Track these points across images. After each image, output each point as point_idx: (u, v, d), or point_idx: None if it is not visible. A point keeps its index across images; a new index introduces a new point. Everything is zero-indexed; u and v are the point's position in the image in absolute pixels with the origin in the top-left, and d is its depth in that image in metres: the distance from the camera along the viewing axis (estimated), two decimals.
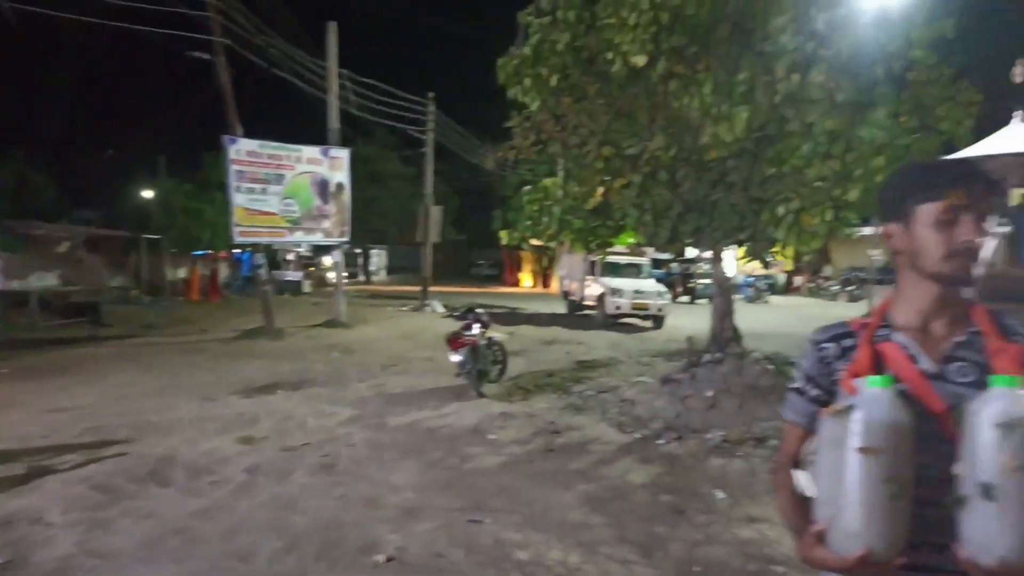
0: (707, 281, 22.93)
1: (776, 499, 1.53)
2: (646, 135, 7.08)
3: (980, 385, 1.27)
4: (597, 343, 13.65)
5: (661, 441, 6.52)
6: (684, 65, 6.53)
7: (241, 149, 14.21)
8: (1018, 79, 17.77)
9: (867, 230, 21.15)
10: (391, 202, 38.20)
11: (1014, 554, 1.13)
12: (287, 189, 14.96)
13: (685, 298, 27.17)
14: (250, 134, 14.52)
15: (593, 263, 17.92)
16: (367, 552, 3.97)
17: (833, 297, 28.48)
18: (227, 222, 14.63)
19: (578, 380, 9.65)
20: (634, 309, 17.28)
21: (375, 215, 39.11)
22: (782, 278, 33.77)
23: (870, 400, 1.24)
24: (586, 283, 18.97)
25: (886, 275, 33.37)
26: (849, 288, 27.99)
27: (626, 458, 6.00)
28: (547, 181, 7.85)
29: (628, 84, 7.13)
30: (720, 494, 5.09)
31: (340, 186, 15.81)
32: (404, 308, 20.65)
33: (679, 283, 27.86)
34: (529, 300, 27.48)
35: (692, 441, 6.45)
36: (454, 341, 8.32)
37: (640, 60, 6.42)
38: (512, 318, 18.63)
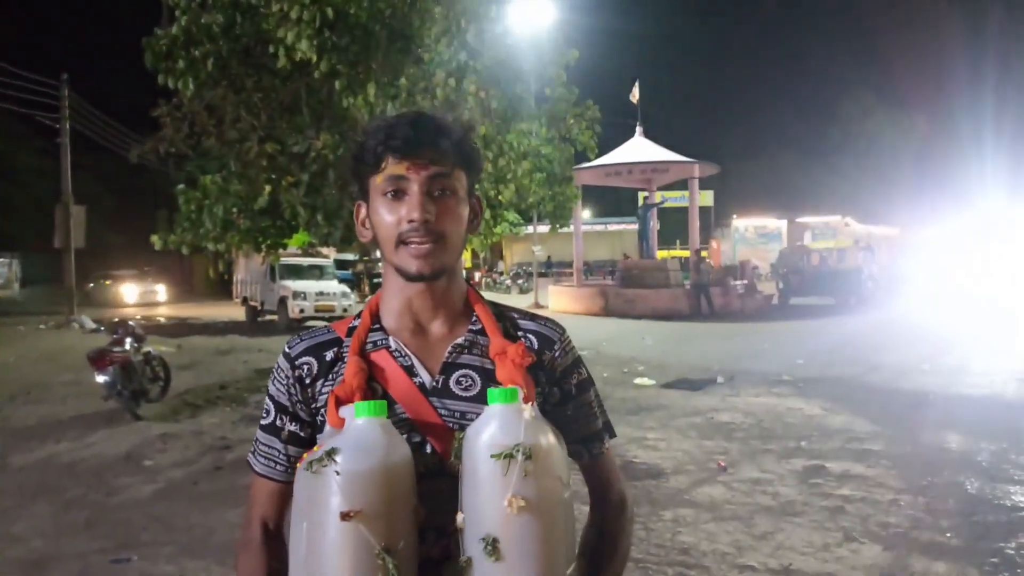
0: None
1: None
2: (312, 132, 6.94)
3: (484, 398, 0.99)
4: (279, 349, 12.72)
5: None
6: (346, 65, 6.53)
7: None
8: (635, 99, 21.27)
9: (530, 228, 23.59)
10: (26, 201, 32.44)
11: None
12: None
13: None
14: None
15: (273, 267, 17.15)
16: None
17: (507, 290, 31.19)
18: None
19: (256, 389, 9.12)
20: (318, 311, 16.96)
21: (5, 217, 32.83)
22: (463, 273, 36.19)
23: (357, 438, 0.90)
24: (268, 287, 18.12)
25: (549, 268, 37.59)
26: (519, 281, 31.17)
27: None
28: (206, 179, 7.24)
29: (291, 79, 6.92)
30: None
31: None
32: (44, 326, 17.56)
33: (365, 282, 28.09)
34: (205, 308, 25.36)
35: None
36: (99, 359, 7.27)
37: (312, 55, 6.25)
38: (182, 328, 17.00)
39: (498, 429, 0.91)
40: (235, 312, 21.11)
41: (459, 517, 0.92)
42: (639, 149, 22.02)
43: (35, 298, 29.38)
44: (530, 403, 0.96)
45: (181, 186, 7.37)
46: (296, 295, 16.87)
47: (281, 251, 8.74)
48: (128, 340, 7.55)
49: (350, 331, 1.10)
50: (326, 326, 1.15)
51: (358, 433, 0.91)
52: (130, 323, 7.91)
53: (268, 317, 18.35)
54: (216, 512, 4.66)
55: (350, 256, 26.36)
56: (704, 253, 20.64)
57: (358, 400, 0.97)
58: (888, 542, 3.96)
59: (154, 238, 7.57)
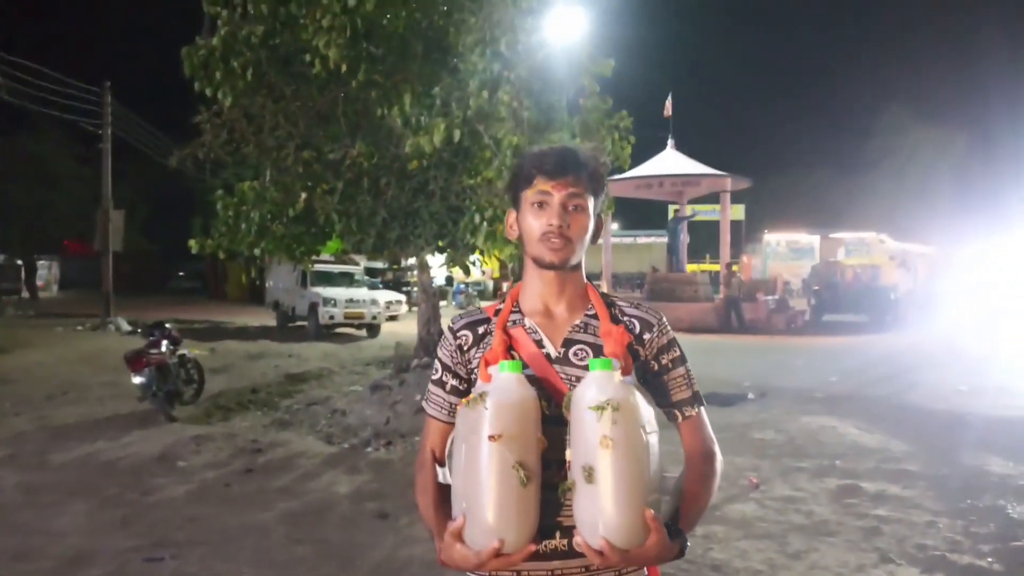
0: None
1: (418, 501, 1.47)
2: (348, 141, 7.02)
3: None
4: (309, 355, 13.21)
5: (370, 449, 6.50)
6: (382, 75, 6.60)
7: None
8: (667, 113, 21.19)
9: None
10: (67, 207, 33.24)
11: (613, 532, 1.18)
12: None
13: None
14: None
15: (304, 273, 17.35)
16: None
17: None
18: None
19: (287, 394, 9.24)
20: (348, 318, 17.08)
21: (49, 222, 33.70)
22: (491, 284, 36.17)
23: (501, 386, 1.27)
24: (298, 294, 18.32)
25: None
26: None
27: (333, 470, 5.87)
28: (244, 185, 7.36)
29: (328, 88, 7.02)
30: None
31: None
32: (81, 327, 17.97)
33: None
34: (237, 313, 25.69)
35: (400, 446, 6.53)
36: (136, 360, 7.41)
37: (342, 63, 6.32)
38: (215, 333, 17.25)
39: (595, 389, 1.24)
40: (267, 318, 21.37)
41: (568, 452, 1.27)
42: (671, 161, 21.92)
43: (73, 300, 30.10)
44: (618, 370, 1.28)
45: (220, 192, 7.50)
46: (326, 301, 17.02)
47: (313, 257, 8.83)
48: (164, 342, 7.70)
49: (496, 312, 1.48)
50: (479, 308, 1.53)
51: (502, 382, 1.28)
52: (166, 325, 8.07)
53: (299, 323, 18.53)
54: (250, 515, 4.71)
55: (379, 264, 26.57)
56: (735, 267, 20.40)
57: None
58: (926, 564, 3.87)
59: (192, 243, 7.70)
